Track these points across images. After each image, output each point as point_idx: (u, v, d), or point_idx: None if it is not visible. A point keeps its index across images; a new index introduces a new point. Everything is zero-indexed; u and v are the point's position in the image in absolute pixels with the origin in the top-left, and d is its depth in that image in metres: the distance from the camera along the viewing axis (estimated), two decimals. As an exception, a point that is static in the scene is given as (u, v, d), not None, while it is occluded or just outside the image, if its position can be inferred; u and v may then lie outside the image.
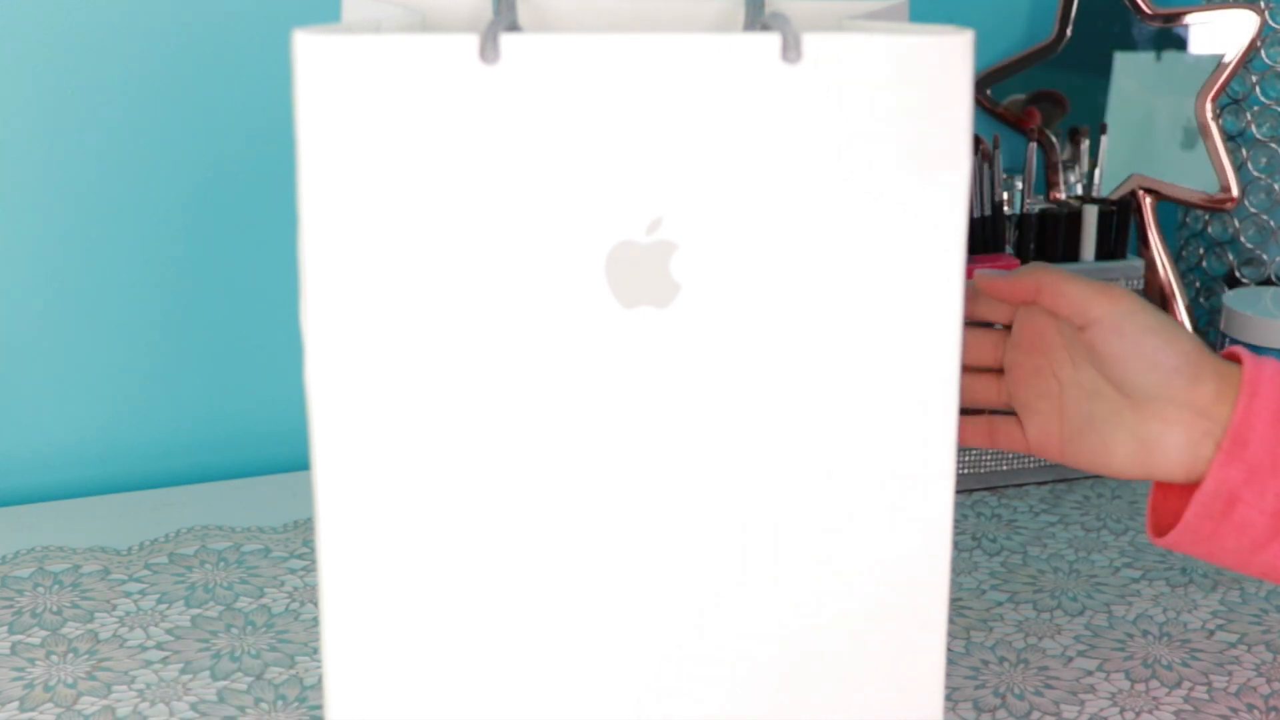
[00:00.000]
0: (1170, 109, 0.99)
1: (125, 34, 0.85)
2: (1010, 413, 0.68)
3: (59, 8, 0.84)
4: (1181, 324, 0.62)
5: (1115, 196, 1.00)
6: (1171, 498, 0.66)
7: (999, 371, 0.69)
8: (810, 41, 0.51)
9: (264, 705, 0.67)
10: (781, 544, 0.56)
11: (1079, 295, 0.63)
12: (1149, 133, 1.00)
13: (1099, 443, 0.64)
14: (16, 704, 0.66)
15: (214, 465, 0.95)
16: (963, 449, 0.88)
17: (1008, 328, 0.69)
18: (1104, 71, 1.01)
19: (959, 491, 0.69)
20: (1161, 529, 0.65)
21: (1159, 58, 0.99)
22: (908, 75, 0.52)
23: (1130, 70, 1.00)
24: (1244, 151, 1.03)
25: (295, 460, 0.96)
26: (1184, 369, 0.61)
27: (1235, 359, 0.64)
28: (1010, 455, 0.90)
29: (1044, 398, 0.66)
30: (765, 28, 0.54)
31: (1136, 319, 0.62)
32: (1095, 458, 0.64)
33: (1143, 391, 0.62)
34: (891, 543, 0.57)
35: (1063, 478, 0.92)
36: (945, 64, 0.52)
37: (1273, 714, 0.66)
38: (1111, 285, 0.63)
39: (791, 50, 0.51)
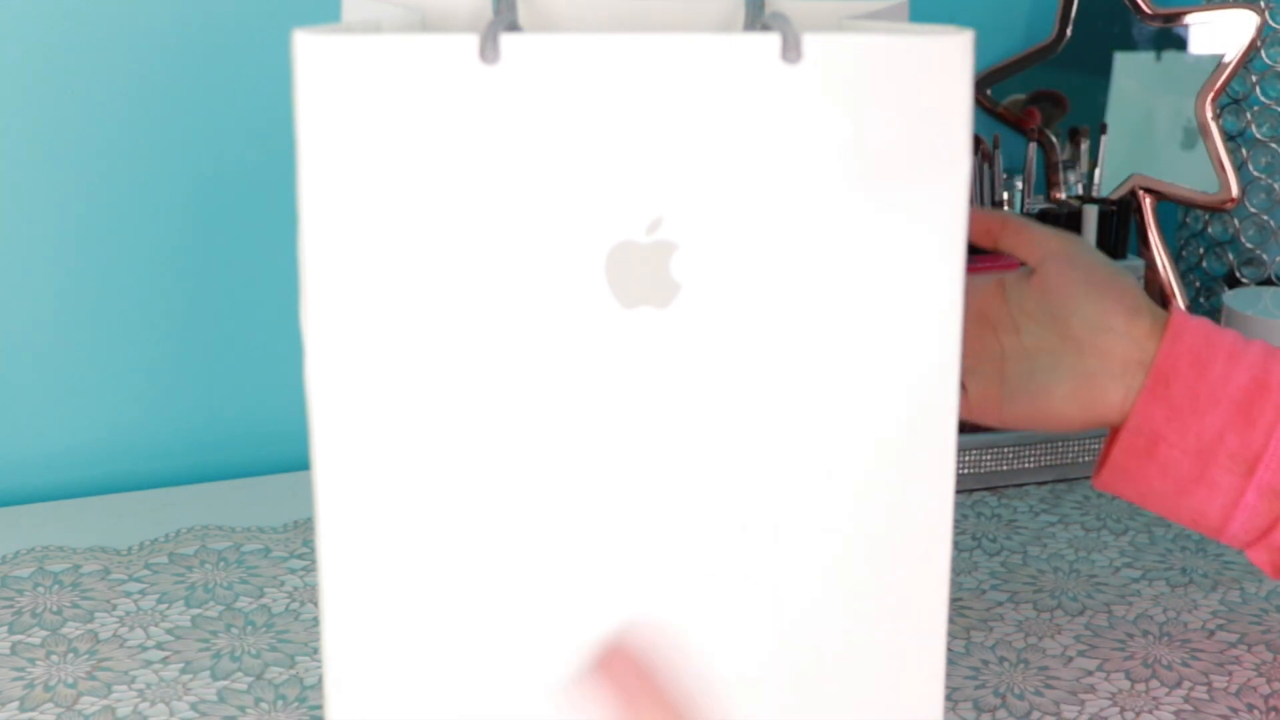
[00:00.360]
0: (1170, 109, 0.99)
1: (124, 34, 0.85)
2: None
3: (59, 9, 0.84)
4: (1126, 271, 0.66)
5: (1115, 196, 1.00)
6: (1110, 444, 0.68)
7: None
8: (810, 41, 0.51)
9: (264, 705, 0.67)
10: (781, 544, 0.56)
11: (1038, 233, 0.68)
12: (1149, 133, 1.00)
13: (1039, 391, 0.66)
14: (17, 704, 0.66)
15: (214, 465, 0.95)
16: (962, 449, 0.89)
17: None
18: (1104, 71, 1.01)
19: (959, 491, 0.69)
20: (1098, 472, 0.68)
21: (1159, 58, 0.99)
22: (908, 75, 0.52)
23: (1130, 70, 1.00)
24: (1244, 151, 1.03)
25: (295, 460, 0.96)
26: (1126, 300, 0.65)
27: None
28: (1010, 455, 0.90)
29: (987, 361, 0.69)
30: (765, 28, 0.54)
31: (1088, 255, 0.66)
32: (1035, 407, 0.66)
33: (1086, 320, 0.65)
34: (891, 542, 0.57)
35: (1063, 478, 0.92)
36: (945, 64, 0.52)
37: (1273, 714, 0.66)
38: (1069, 233, 0.68)
39: (791, 50, 0.51)
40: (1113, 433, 0.67)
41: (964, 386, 0.69)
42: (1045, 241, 0.67)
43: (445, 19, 0.63)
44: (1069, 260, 0.66)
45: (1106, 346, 0.64)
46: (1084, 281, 0.65)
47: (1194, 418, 0.62)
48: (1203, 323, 0.64)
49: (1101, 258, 0.67)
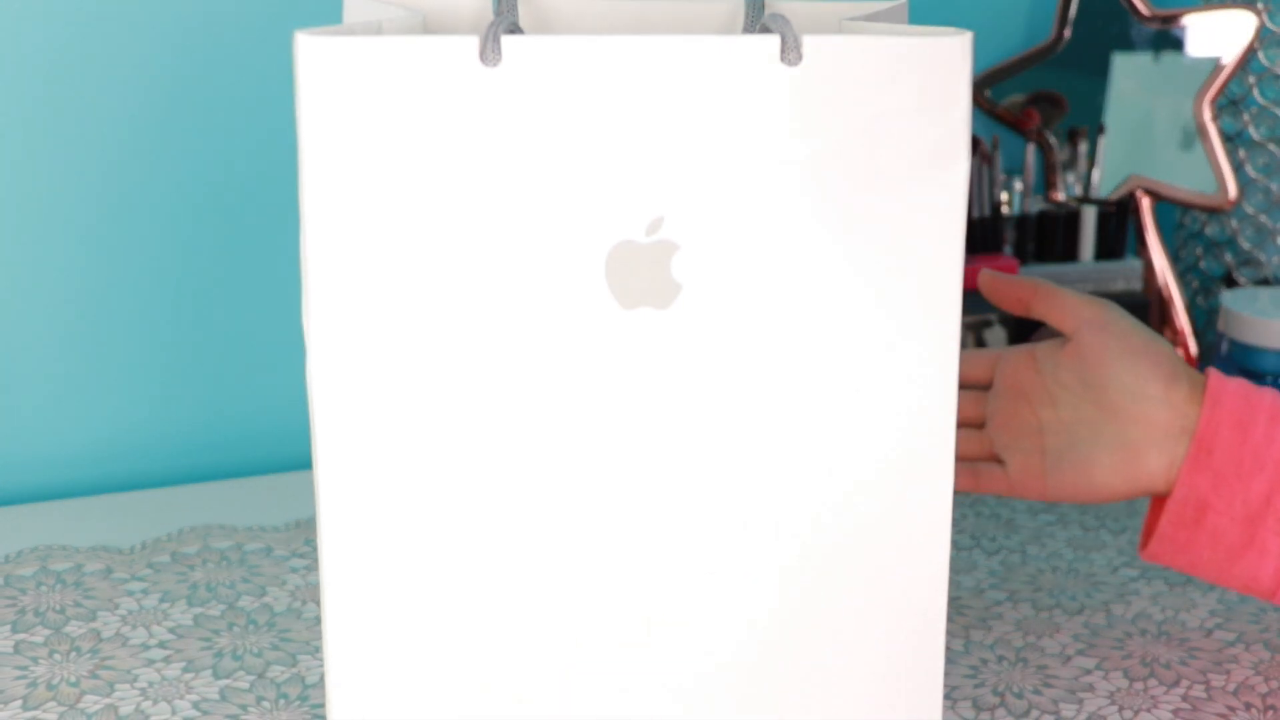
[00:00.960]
0: (1168, 110, 0.99)
1: (127, 36, 0.86)
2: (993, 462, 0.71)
3: (61, 10, 0.84)
4: (1161, 339, 0.66)
5: (1114, 197, 1.00)
6: (1156, 512, 0.68)
7: (980, 427, 0.71)
8: (810, 43, 0.51)
9: (266, 704, 0.67)
10: (781, 542, 0.56)
11: (1071, 301, 0.67)
12: (1147, 134, 1.00)
13: (1081, 462, 0.66)
14: (20, 703, 0.67)
15: (216, 464, 0.95)
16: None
17: (986, 388, 0.71)
18: (1103, 72, 1.01)
19: (957, 491, 0.69)
20: (1146, 543, 0.67)
21: (1157, 59, 1.00)
22: (907, 76, 0.52)
23: (1129, 71, 1.00)
24: (1242, 152, 1.03)
25: (297, 460, 0.96)
26: (1163, 366, 0.64)
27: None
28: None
29: (1025, 436, 0.68)
30: (765, 29, 0.54)
31: (1122, 322, 0.66)
32: (1079, 479, 0.66)
33: (1125, 389, 0.64)
34: (891, 542, 0.57)
35: (1061, 477, 0.92)
36: (944, 65, 0.52)
37: (1270, 712, 0.66)
38: (1099, 298, 0.67)
39: (791, 52, 0.51)
40: (1155, 503, 0.67)
41: (1002, 462, 0.69)
42: (1079, 309, 0.66)
43: (446, 21, 0.64)
44: (1103, 328, 0.65)
45: (1146, 414, 0.64)
46: (1120, 350, 0.64)
47: (1239, 484, 0.62)
48: (1240, 384, 0.64)
49: (1136, 323, 0.66)
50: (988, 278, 0.69)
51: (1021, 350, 0.69)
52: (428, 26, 0.63)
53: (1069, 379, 0.66)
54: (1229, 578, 0.64)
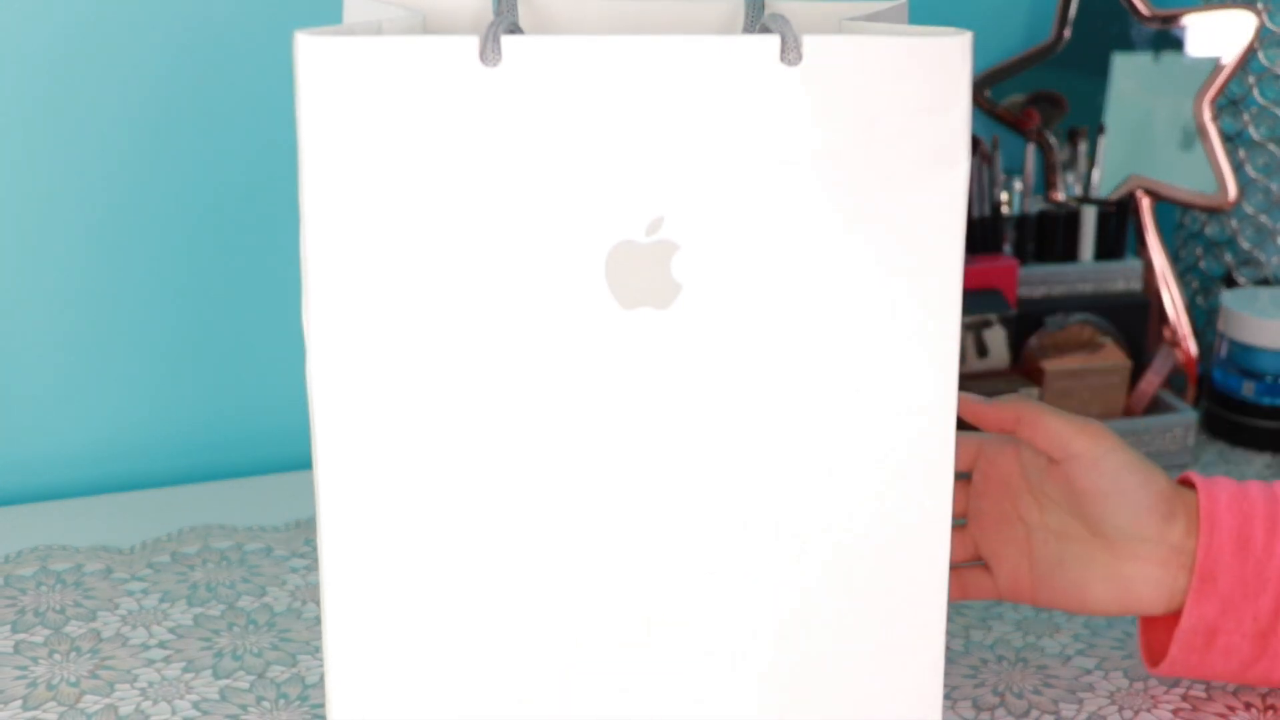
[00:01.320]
0: (1168, 110, 0.99)
1: (126, 36, 0.86)
2: (977, 562, 0.69)
3: (59, 10, 0.84)
4: (1155, 466, 0.64)
5: (1114, 197, 1.00)
6: (1159, 629, 0.67)
7: (961, 524, 0.69)
8: (810, 43, 0.51)
9: (266, 704, 0.67)
10: (781, 542, 0.56)
11: (1059, 430, 0.63)
12: (1147, 134, 1.00)
13: (1073, 584, 0.64)
14: (20, 703, 0.67)
15: (216, 464, 0.95)
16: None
17: (966, 477, 0.68)
18: (1103, 72, 1.01)
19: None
20: (1154, 659, 0.67)
21: (1157, 59, 1.00)
22: (906, 77, 0.52)
23: (1128, 71, 1.00)
24: (1242, 152, 1.03)
25: (297, 459, 0.96)
26: (1159, 507, 0.62)
27: (1189, 484, 0.65)
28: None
29: (1011, 543, 0.66)
30: (765, 29, 0.54)
31: (1115, 456, 0.62)
32: (1070, 599, 0.64)
33: (1118, 529, 0.62)
34: (890, 542, 0.57)
35: (1061, 477, 0.92)
36: (944, 65, 0.52)
37: (1270, 712, 0.66)
38: (1090, 421, 0.63)
39: (791, 52, 0.51)
40: (1154, 618, 0.66)
41: (989, 568, 0.67)
42: (1067, 440, 0.63)
43: (446, 21, 0.64)
44: (1094, 465, 0.62)
45: (1142, 554, 0.62)
46: (1113, 490, 0.62)
47: (1247, 604, 0.61)
48: (1228, 491, 0.63)
49: (1129, 457, 0.63)
50: (967, 402, 0.66)
51: (1005, 442, 0.66)
52: (428, 26, 0.63)
53: (1057, 495, 0.64)
54: (1245, 679, 0.64)
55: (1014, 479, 0.66)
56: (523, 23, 0.64)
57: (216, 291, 0.92)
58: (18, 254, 0.87)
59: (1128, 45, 1.00)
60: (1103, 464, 0.62)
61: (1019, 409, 0.64)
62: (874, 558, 0.57)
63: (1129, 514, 0.62)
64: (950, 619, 0.75)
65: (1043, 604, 0.66)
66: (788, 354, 0.54)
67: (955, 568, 0.68)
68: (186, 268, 0.91)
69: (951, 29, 0.52)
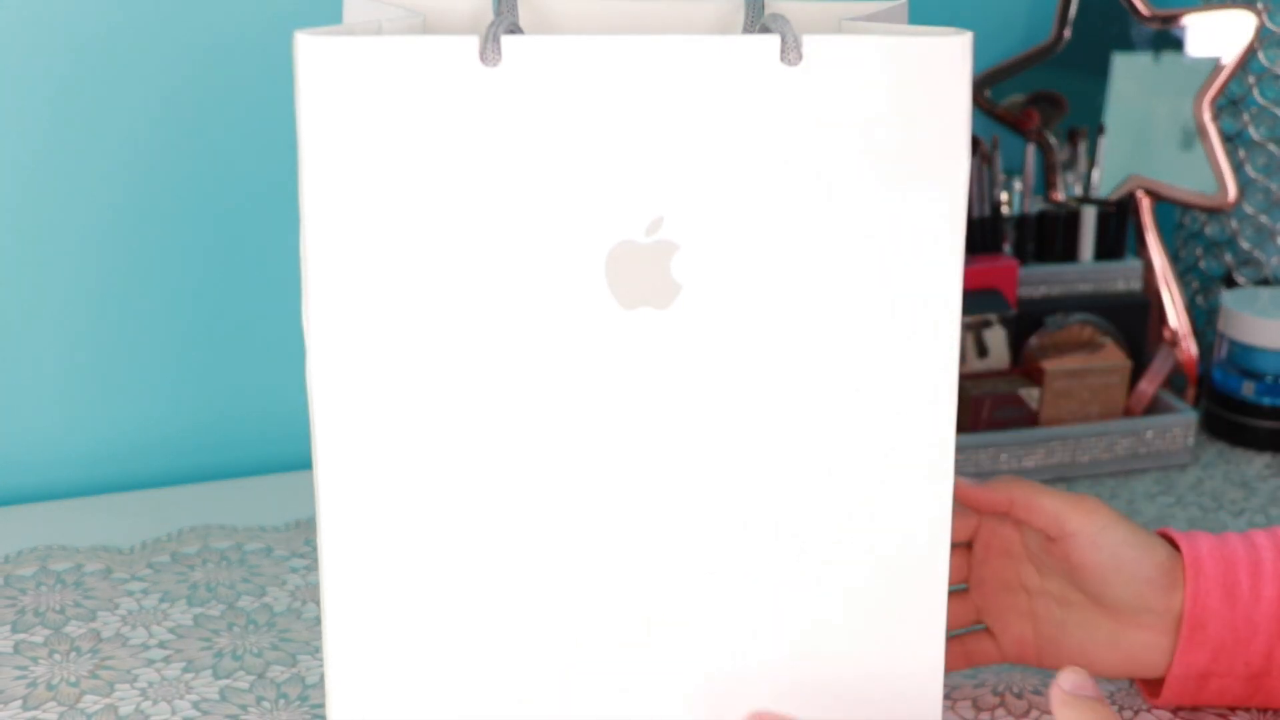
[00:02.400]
0: (1168, 110, 0.99)
1: (126, 35, 0.85)
2: (978, 627, 0.68)
3: (61, 11, 0.84)
4: (1150, 534, 0.63)
5: (1114, 197, 1.00)
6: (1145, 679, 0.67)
7: (963, 589, 0.68)
8: (809, 43, 0.51)
9: (266, 704, 0.67)
10: (782, 543, 0.56)
11: (1054, 509, 0.63)
12: (1147, 134, 1.00)
13: (1077, 649, 0.64)
14: (20, 703, 0.67)
15: (216, 464, 0.95)
16: (960, 449, 0.89)
17: (968, 545, 0.68)
18: (1103, 72, 1.01)
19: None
20: (1151, 694, 0.66)
21: (1157, 59, 1.00)
22: (906, 76, 0.52)
23: (1129, 71, 1.00)
24: (1241, 152, 1.03)
25: (297, 459, 0.96)
26: (1159, 580, 0.62)
27: (1168, 540, 0.64)
28: (1010, 454, 0.90)
29: (1014, 609, 0.66)
30: (765, 29, 0.54)
31: (1112, 532, 0.62)
32: (1075, 663, 0.64)
33: (1120, 602, 0.62)
34: (891, 542, 0.57)
35: (1062, 477, 0.92)
36: (944, 65, 0.52)
37: (1270, 713, 0.66)
38: (1084, 496, 0.63)
39: (791, 52, 0.51)
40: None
41: (992, 633, 0.67)
42: (1063, 520, 0.62)
43: (446, 21, 0.64)
44: (1092, 542, 0.62)
45: (1146, 623, 0.62)
46: (1113, 566, 0.62)
47: (1239, 649, 0.61)
48: (1211, 544, 0.62)
49: (1126, 531, 0.62)
50: (959, 485, 0.65)
51: (1003, 517, 0.67)
52: (428, 26, 0.63)
53: (1057, 568, 0.64)
54: (1245, 703, 0.64)
55: (1015, 547, 0.66)
56: (523, 22, 0.64)
57: (217, 291, 0.92)
58: (18, 254, 0.87)
59: (1128, 45, 1.00)
60: (1100, 540, 0.62)
61: (1011, 490, 0.64)
62: (874, 557, 0.57)
63: (1130, 588, 0.62)
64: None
65: (1047, 666, 0.66)
66: (787, 354, 0.54)
67: (958, 634, 0.68)
68: (186, 268, 0.91)
69: (951, 29, 0.52)
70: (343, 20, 0.63)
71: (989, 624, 0.67)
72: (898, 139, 0.52)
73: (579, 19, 0.64)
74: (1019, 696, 0.68)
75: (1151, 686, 0.66)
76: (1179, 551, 0.63)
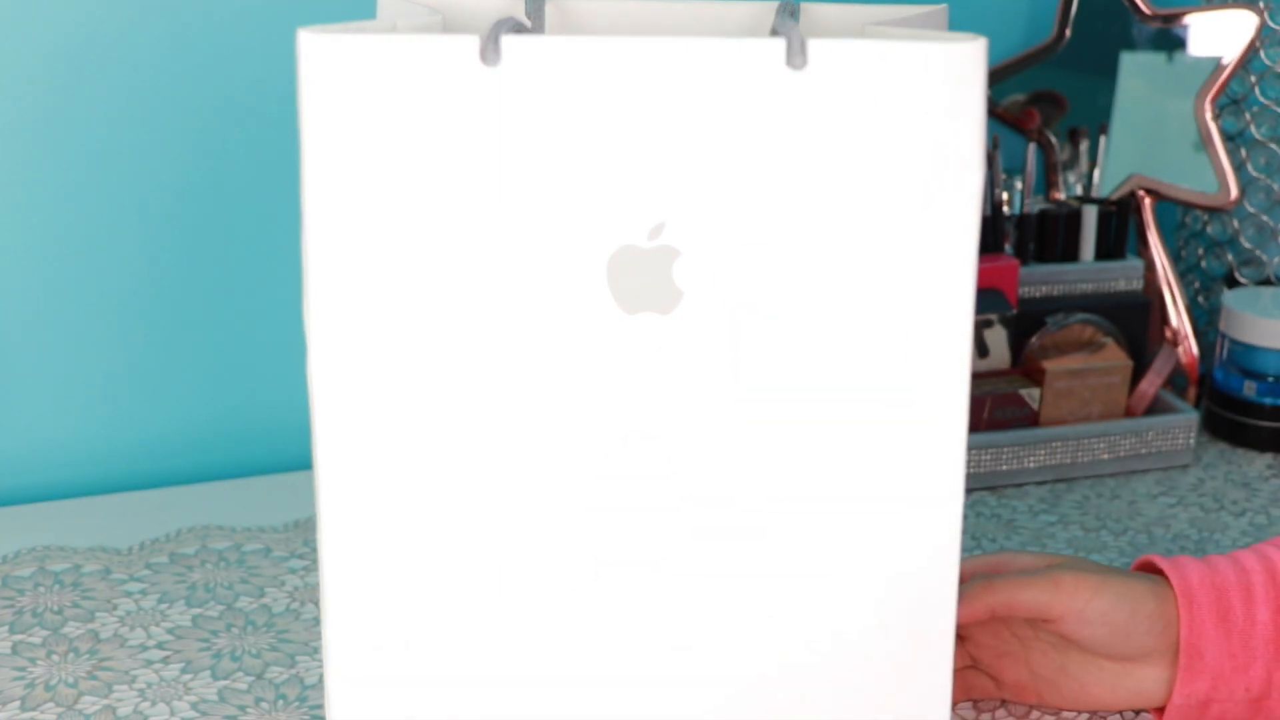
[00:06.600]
0: (1169, 109, 0.99)
1: (125, 31, 0.85)
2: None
3: (60, 7, 0.84)
4: (1133, 582, 0.62)
5: (1115, 197, 1.00)
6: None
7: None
8: (816, 48, 0.51)
9: (265, 705, 0.67)
10: (788, 556, 0.56)
11: (1034, 602, 0.62)
12: (1148, 133, 1.00)
13: (1079, 689, 0.65)
14: (18, 703, 0.66)
15: (215, 465, 0.95)
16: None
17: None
18: (1104, 72, 1.01)
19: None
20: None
21: (1159, 58, 1.00)
22: (918, 82, 0.51)
23: (1130, 71, 1.00)
24: (1243, 152, 1.03)
25: (296, 460, 0.96)
26: (1154, 627, 0.62)
27: (1152, 568, 0.65)
28: (1010, 455, 0.90)
29: (1007, 656, 0.66)
30: (774, 33, 0.53)
31: (1098, 603, 0.62)
32: (1078, 701, 0.65)
33: (1122, 655, 0.63)
34: (899, 557, 0.57)
35: (1062, 478, 0.92)
36: (957, 71, 0.51)
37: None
38: (1060, 574, 0.62)
39: (796, 56, 0.50)
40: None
41: (994, 679, 0.67)
42: (1046, 608, 0.62)
43: (466, 20, 0.63)
44: (1080, 618, 0.62)
45: (1145, 661, 0.63)
46: (1106, 630, 0.62)
47: (1238, 675, 0.61)
48: (1199, 570, 0.63)
49: (1110, 594, 0.62)
50: None
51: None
52: (447, 26, 0.63)
53: (1049, 636, 0.65)
54: None
55: (1002, 624, 0.66)
56: (550, 24, 0.64)
57: (217, 291, 0.91)
58: (17, 253, 0.87)
59: (1129, 45, 1.00)
60: (1088, 614, 0.62)
61: (986, 599, 0.63)
62: (882, 574, 0.57)
63: (1127, 644, 0.62)
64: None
65: (1047, 706, 0.66)
66: (792, 361, 0.54)
67: (956, 670, 0.68)
68: (186, 267, 0.90)
69: (966, 34, 0.52)
70: (377, 15, 0.63)
71: (985, 670, 0.67)
72: (908, 145, 0.52)
73: (605, 20, 0.64)
74: (1022, 700, 0.68)
75: (1157, 714, 0.66)
76: (1167, 582, 0.63)
